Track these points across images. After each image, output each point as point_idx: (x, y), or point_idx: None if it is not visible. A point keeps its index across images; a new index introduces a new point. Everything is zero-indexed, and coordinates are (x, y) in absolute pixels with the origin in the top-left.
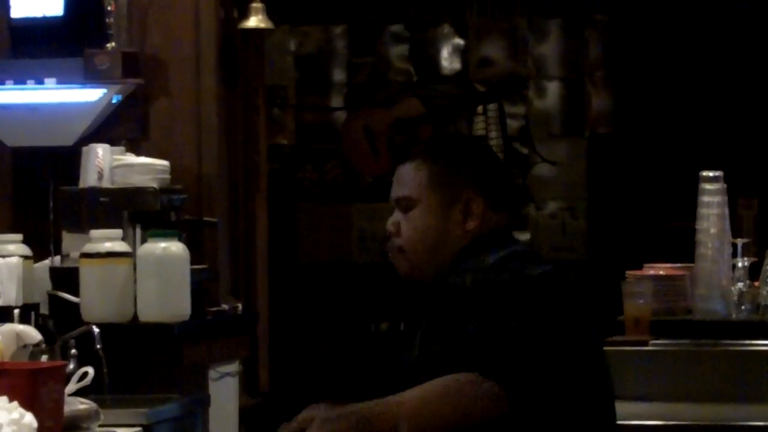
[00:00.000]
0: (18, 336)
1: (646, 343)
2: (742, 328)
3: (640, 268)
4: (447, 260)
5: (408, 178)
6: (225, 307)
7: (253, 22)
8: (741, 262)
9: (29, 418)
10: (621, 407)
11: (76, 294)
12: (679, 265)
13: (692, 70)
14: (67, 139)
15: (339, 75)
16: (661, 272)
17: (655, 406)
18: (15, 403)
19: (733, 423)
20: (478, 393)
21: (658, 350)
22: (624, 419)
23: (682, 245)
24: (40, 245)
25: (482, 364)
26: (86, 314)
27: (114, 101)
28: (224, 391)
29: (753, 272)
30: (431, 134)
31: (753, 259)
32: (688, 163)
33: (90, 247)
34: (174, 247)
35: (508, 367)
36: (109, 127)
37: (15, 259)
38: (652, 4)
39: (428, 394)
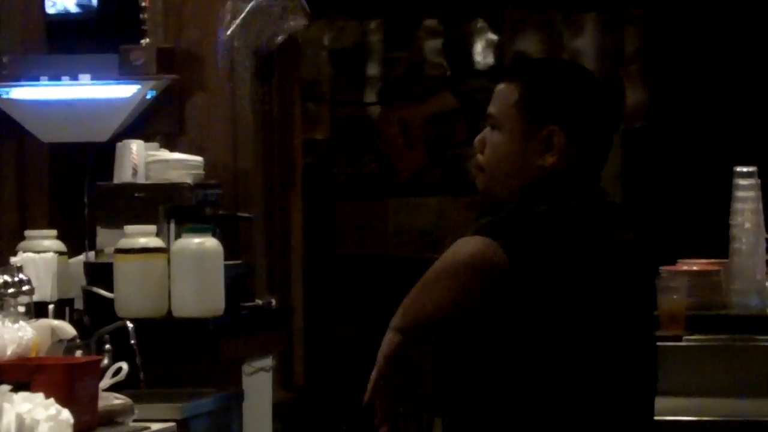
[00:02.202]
0: (53, 331)
1: (680, 339)
2: None
3: (675, 263)
4: (520, 188)
5: (500, 97)
6: (260, 302)
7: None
8: None
9: (66, 414)
10: (656, 402)
11: (111, 289)
12: (713, 260)
13: (728, 64)
14: (102, 135)
15: (374, 69)
16: (695, 267)
17: (690, 402)
18: (51, 400)
19: None
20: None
21: (693, 345)
22: (659, 415)
23: (716, 240)
24: (75, 241)
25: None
26: (121, 309)
27: (149, 97)
28: (259, 385)
29: None
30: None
31: None
32: (723, 158)
33: (125, 243)
34: (208, 242)
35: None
36: (144, 122)
37: (50, 255)
38: None
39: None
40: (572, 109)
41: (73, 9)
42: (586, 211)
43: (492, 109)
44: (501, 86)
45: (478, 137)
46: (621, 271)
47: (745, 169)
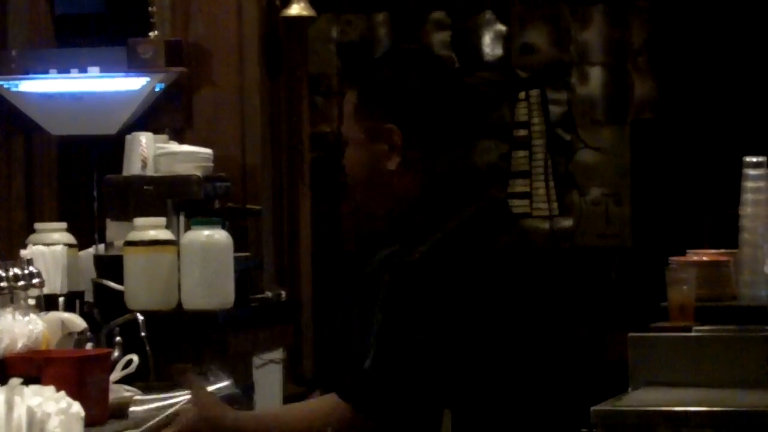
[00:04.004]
0: (63, 324)
1: (690, 330)
2: None
3: (684, 254)
4: (388, 202)
5: (345, 109)
6: (269, 294)
7: (296, 10)
8: None
9: (77, 408)
10: (666, 393)
11: (121, 282)
12: (723, 251)
13: (736, 55)
14: (111, 128)
15: None
16: (705, 258)
17: (699, 392)
18: (62, 393)
19: None
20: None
21: (703, 336)
22: (668, 405)
23: (726, 231)
24: (85, 233)
25: (362, 401)
26: (130, 302)
27: (157, 90)
28: (269, 378)
29: None
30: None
31: None
32: (732, 149)
33: (134, 235)
34: (218, 235)
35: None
36: (152, 115)
37: (60, 248)
38: None
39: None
40: (405, 104)
41: (81, 2)
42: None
43: (342, 127)
44: (345, 97)
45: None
46: (512, 277)
47: (754, 159)
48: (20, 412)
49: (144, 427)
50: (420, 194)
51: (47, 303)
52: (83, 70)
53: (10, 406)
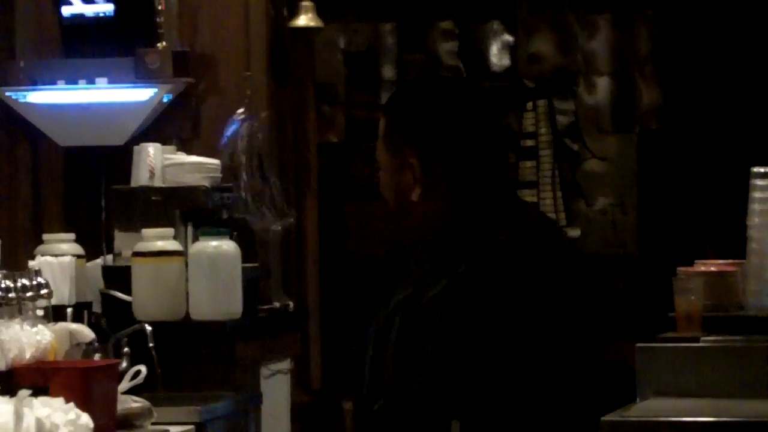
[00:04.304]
0: (71, 334)
1: (697, 339)
2: None
3: (691, 264)
4: (421, 231)
5: (378, 136)
6: (276, 304)
7: (303, 20)
8: None
9: (85, 419)
10: (674, 403)
11: (129, 292)
12: (730, 261)
13: (742, 64)
14: (119, 138)
15: (388, 72)
16: (712, 268)
17: (706, 403)
18: (71, 404)
19: None
20: None
21: (710, 346)
22: (675, 416)
23: (733, 241)
24: (93, 244)
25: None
26: (138, 312)
27: (165, 100)
28: (276, 388)
29: None
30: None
31: None
32: (739, 158)
33: (142, 246)
34: (225, 245)
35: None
36: (160, 126)
37: (68, 258)
38: None
39: None
40: (426, 133)
41: (89, 13)
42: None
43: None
44: (380, 122)
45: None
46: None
47: (762, 170)
48: (29, 423)
49: None
50: (447, 222)
51: (55, 313)
52: (91, 81)
53: (19, 416)
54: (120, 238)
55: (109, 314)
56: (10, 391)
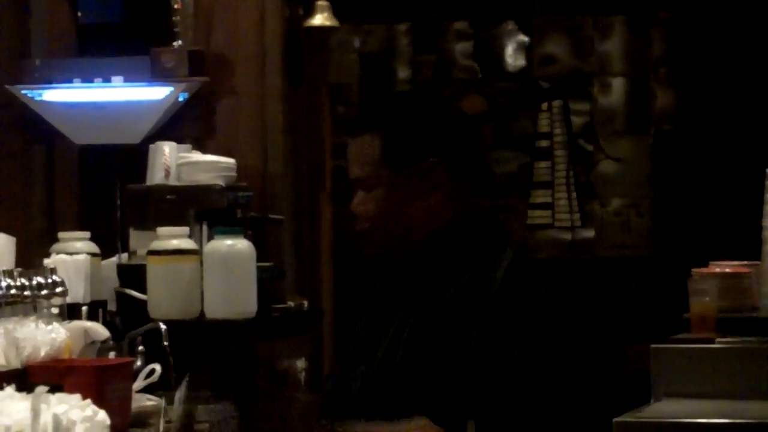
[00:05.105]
0: (86, 333)
1: (712, 341)
2: None
3: (706, 265)
4: (414, 241)
5: (359, 156)
6: (290, 304)
7: (319, 20)
8: None
9: (102, 416)
10: (688, 405)
11: (143, 291)
12: (745, 262)
13: (756, 66)
14: (134, 137)
15: (403, 72)
16: (727, 270)
17: (721, 404)
18: (88, 401)
19: None
20: None
21: (725, 348)
22: (690, 417)
23: (748, 243)
24: (107, 243)
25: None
26: (153, 311)
27: (180, 99)
28: None
29: None
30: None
31: None
32: (754, 160)
33: (157, 245)
34: (240, 244)
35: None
36: (175, 125)
37: (82, 257)
38: (715, 0)
39: None
40: (439, 141)
41: (104, 11)
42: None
43: (357, 170)
44: (362, 141)
45: (357, 202)
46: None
47: None
48: (46, 420)
49: None
50: (442, 230)
51: (70, 312)
52: (107, 80)
53: (36, 413)
54: (135, 237)
55: (123, 313)
56: (25, 389)
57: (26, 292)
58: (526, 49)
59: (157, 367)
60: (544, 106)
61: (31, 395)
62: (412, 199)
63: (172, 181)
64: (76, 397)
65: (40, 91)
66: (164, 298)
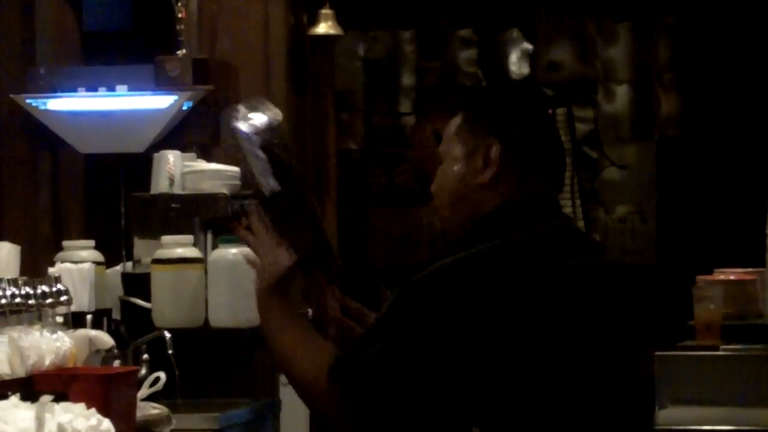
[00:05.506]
0: (91, 341)
1: (717, 348)
2: None
3: (711, 272)
4: (470, 217)
5: (445, 133)
6: None
7: (323, 28)
8: None
9: (107, 425)
10: (692, 411)
11: (148, 299)
12: (750, 269)
13: (761, 72)
14: (139, 146)
15: (408, 79)
16: (731, 277)
17: (726, 411)
18: (93, 410)
19: None
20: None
21: (729, 355)
22: (694, 424)
23: (753, 250)
24: (112, 251)
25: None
26: (158, 320)
27: (185, 107)
28: (295, 396)
29: None
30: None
31: None
32: (759, 167)
33: (161, 253)
34: (244, 252)
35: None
36: (180, 133)
37: (87, 265)
38: (721, 6)
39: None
40: (508, 121)
41: (109, 20)
42: (532, 242)
43: (440, 147)
44: (450, 120)
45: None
46: (571, 297)
47: None
48: (50, 429)
49: None
50: (494, 210)
51: (75, 320)
52: (111, 88)
53: (40, 422)
54: (139, 246)
55: (128, 321)
56: (30, 398)
57: (31, 301)
58: (531, 56)
59: (162, 375)
60: (549, 112)
61: (35, 404)
62: None
63: (177, 190)
64: (80, 406)
65: (44, 100)
66: (169, 306)
